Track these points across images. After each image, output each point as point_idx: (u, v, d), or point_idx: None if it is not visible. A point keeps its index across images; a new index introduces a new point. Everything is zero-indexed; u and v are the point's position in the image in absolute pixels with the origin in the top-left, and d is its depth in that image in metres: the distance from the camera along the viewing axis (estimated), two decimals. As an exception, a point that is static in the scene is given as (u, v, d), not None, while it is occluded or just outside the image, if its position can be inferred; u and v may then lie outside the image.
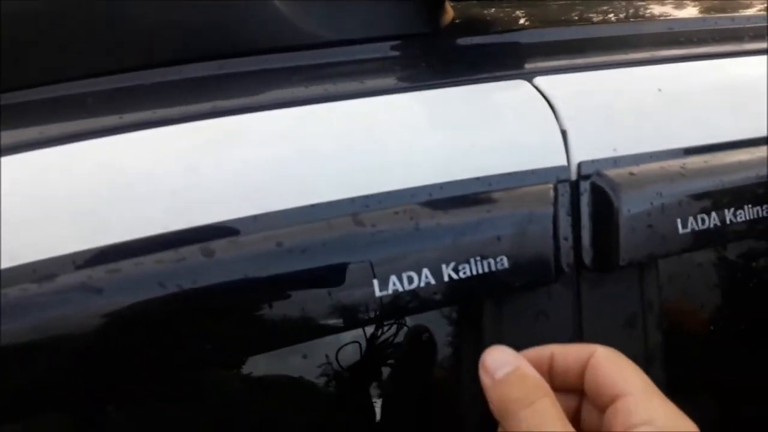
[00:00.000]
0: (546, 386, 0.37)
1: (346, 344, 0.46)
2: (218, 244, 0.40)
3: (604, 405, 0.37)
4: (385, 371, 0.46)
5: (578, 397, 0.39)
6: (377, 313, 0.42)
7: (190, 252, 0.40)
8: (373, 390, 0.46)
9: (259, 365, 0.43)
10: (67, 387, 0.38)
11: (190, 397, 0.41)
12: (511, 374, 0.37)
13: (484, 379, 0.38)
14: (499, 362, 0.38)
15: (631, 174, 0.48)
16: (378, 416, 0.47)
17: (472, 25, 0.56)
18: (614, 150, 0.49)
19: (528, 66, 0.54)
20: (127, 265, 0.39)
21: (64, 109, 0.48)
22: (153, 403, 0.41)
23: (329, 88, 0.50)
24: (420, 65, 0.54)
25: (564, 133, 0.48)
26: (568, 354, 0.39)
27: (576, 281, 0.47)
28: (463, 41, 0.57)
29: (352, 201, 0.43)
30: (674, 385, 0.47)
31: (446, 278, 0.43)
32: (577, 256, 0.47)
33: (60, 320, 0.38)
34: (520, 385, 0.37)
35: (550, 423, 0.35)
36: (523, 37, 0.57)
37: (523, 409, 0.36)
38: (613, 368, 0.37)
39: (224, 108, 0.47)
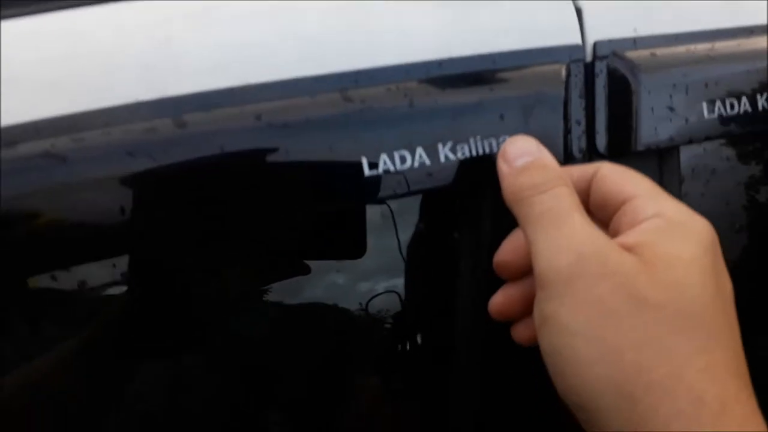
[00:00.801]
0: (566, 178, 0.35)
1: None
2: (192, 117, 0.37)
3: (611, 215, 0.36)
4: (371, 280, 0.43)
5: None
6: (366, 194, 0.38)
7: (162, 123, 0.37)
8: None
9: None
10: (23, 261, 0.36)
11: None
12: (531, 163, 0.36)
13: (502, 166, 0.37)
14: (521, 151, 0.36)
15: (653, 55, 0.43)
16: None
17: None
18: (635, 30, 0.45)
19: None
20: (93, 135, 0.36)
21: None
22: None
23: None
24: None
25: (579, 10, 0.44)
26: (572, 173, 0.37)
27: (588, 168, 0.43)
28: None
29: (340, 76, 0.39)
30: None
31: (443, 159, 0.39)
32: (590, 140, 0.43)
33: (20, 189, 0.35)
34: (540, 173, 0.35)
35: (566, 208, 0.34)
36: None
37: (539, 194, 0.34)
38: (618, 177, 0.36)
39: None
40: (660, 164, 0.44)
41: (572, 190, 0.35)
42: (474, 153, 0.39)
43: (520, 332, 0.38)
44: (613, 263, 0.32)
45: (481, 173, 0.39)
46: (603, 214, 0.37)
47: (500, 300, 0.39)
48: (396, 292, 0.45)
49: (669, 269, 0.32)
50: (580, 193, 0.38)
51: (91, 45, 0.39)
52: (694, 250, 0.33)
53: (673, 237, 0.33)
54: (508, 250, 0.38)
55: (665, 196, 0.36)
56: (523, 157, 0.36)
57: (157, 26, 0.40)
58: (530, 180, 0.35)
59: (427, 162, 0.39)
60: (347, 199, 0.38)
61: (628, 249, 0.33)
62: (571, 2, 0.44)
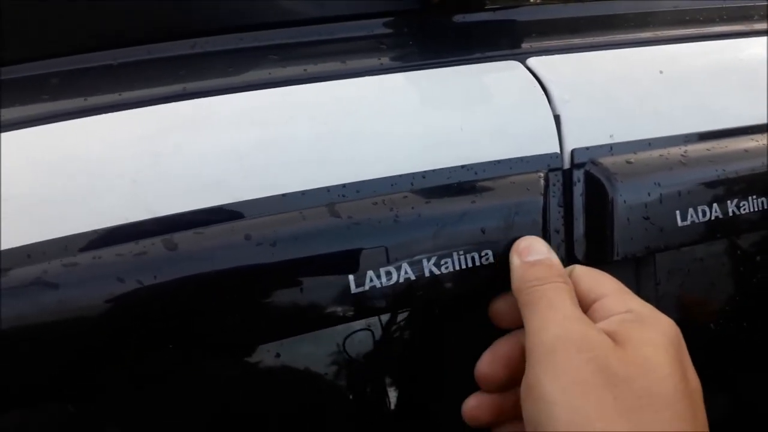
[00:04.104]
0: (567, 278, 0.39)
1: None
2: (182, 237, 0.38)
3: (584, 312, 0.39)
4: (359, 374, 0.43)
5: None
6: (353, 311, 0.39)
7: (152, 245, 0.37)
8: (345, 393, 0.44)
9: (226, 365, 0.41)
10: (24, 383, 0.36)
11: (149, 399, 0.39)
12: (540, 261, 0.39)
13: (515, 259, 0.40)
14: (533, 249, 0.40)
15: (628, 162, 0.45)
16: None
17: (463, 1, 0.52)
18: (611, 137, 0.46)
19: (521, 46, 0.51)
20: (84, 258, 0.37)
21: (25, 91, 0.45)
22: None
23: (309, 68, 0.47)
24: (407, 44, 0.51)
25: (557, 118, 0.45)
26: None
27: (568, 277, 0.44)
28: (453, 18, 0.53)
29: (327, 190, 0.41)
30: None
31: (427, 273, 0.40)
32: (569, 249, 0.44)
33: (14, 317, 0.35)
34: (546, 270, 0.39)
35: (561, 297, 0.37)
36: (517, 15, 0.54)
37: (541, 285, 0.38)
38: (589, 279, 0.40)
39: (195, 90, 0.44)
40: (637, 270, 0.45)
41: (571, 287, 0.39)
42: (457, 267, 0.40)
43: None
44: (591, 340, 0.35)
45: (465, 287, 0.40)
46: None
47: (473, 404, 0.41)
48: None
49: (639, 349, 0.35)
50: None
51: (77, 161, 0.39)
52: (662, 339, 0.36)
53: (642, 327, 0.36)
54: (486, 362, 0.41)
55: (632, 295, 0.39)
56: (534, 255, 0.40)
57: (144, 141, 0.40)
58: (536, 274, 0.39)
59: (413, 277, 0.40)
60: (335, 317, 0.39)
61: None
62: (549, 110, 0.46)
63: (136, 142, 0.41)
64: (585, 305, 0.39)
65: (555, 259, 0.40)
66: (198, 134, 0.41)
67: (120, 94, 0.44)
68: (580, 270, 0.41)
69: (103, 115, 0.42)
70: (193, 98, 0.43)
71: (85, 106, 0.43)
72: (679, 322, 0.38)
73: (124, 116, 0.42)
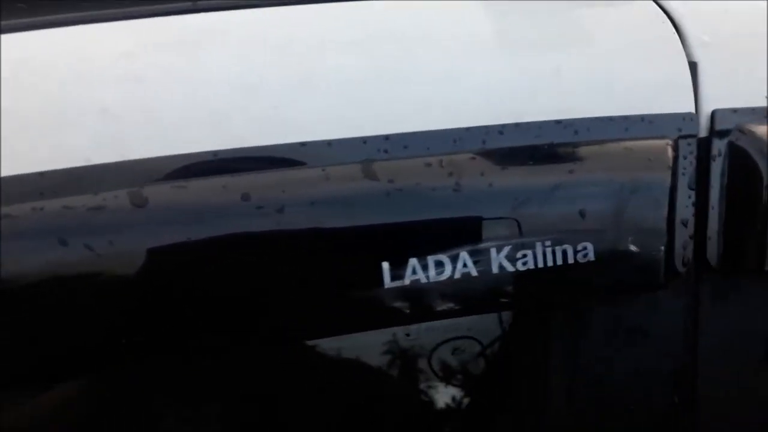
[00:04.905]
0: None
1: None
2: (155, 190, 0.27)
3: None
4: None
5: None
6: (386, 312, 0.28)
7: (114, 198, 0.27)
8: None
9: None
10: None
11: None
12: None
13: None
14: None
15: (795, 135, 0.33)
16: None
17: None
18: (767, 98, 0.35)
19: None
20: (21, 210, 0.27)
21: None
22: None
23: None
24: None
25: (693, 66, 0.35)
26: None
27: (694, 287, 0.34)
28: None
29: (363, 142, 0.30)
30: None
31: (496, 269, 0.30)
32: (698, 250, 0.34)
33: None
34: None
35: None
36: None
37: None
38: None
39: (203, 6, 0.34)
40: (796, 288, 0.33)
41: None
42: (541, 264, 0.29)
43: None
44: None
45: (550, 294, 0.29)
46: None
47: None
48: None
49: None
50: None
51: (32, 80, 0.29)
52: None
53: None
54: None
55: None
56: None
57: (124, 60, 0.30)
58: None
59: (474, 273, 0.28)
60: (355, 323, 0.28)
61: None
62: (683, 54, 0.33)
63: (114, 61, 0.30)
64: None
65: None
66: (198, 56, 0.31)
67: (103, 5, 0.34)
68: None
69: (75, 28, 0.32)
70: (197, 13, 0.33)
71: (49, 21, 0.33)
72: None
73: (101, 30, 0.31)
